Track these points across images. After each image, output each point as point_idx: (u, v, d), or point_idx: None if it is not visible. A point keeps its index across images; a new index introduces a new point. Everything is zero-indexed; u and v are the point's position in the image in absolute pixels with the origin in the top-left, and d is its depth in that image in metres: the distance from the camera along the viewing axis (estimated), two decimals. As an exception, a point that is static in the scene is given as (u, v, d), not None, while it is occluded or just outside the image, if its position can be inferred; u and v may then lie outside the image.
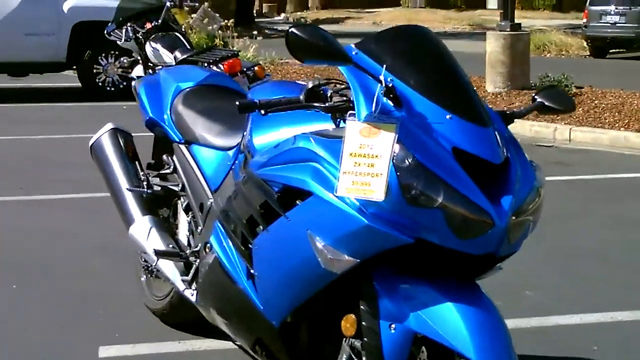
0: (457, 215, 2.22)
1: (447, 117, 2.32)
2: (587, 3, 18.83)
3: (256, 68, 7.98)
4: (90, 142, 3.75)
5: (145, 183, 3.56)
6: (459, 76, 2.46)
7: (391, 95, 2.31)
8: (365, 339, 2.38)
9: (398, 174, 2.22)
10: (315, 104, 2.49)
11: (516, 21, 10.68)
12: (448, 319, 2.27)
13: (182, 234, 3.40)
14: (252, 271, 2.66)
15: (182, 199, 3.45)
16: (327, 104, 2.47)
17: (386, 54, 2.42)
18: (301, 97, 2.51)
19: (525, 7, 33.81)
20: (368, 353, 2.37)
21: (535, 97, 2.67)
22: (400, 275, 2.37)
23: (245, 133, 2.95)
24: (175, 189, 3.43)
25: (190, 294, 3.20)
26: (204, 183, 3.24)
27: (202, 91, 3.54)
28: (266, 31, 22.83)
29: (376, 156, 2.24)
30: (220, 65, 7.78)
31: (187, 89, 3.52)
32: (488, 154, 2.31)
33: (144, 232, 3.41)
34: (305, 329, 2.64)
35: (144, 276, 3.77)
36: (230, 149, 3.19)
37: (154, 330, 3.71)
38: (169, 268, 3.31)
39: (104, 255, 4.68)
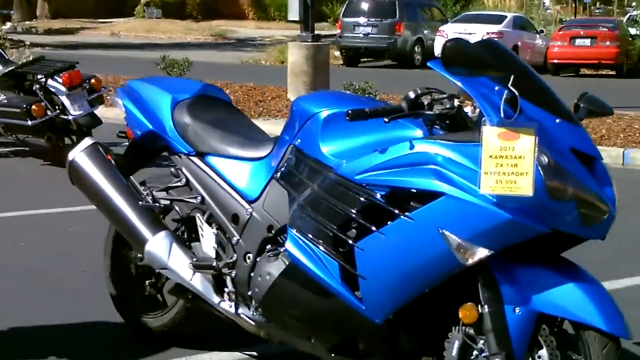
0: (587, 205, 2.53)
1: (557, 121, 2.61)
2: (341, 14, 19.98)
3: (92, 80, 7.79)
4: (70, 157, 3.58)
5: (150, 198, 3.49)
6: (545, 84, 2.76)
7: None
8: (490, 324, 2.60)
9: (541, 172, 2.48)
10: (421, 112, 2.68)
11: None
12: (571, 296, 2.54)
13: (207, 246, 3.36)
14: (353, 273, 2.78)
15: (199, 212, 3.41)
16: (435, 112, 2.67)
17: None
18: (403, 104, 2.69)
19: (262, 18, 34.90)
20: (495, 336, 2.57)
21: (579, 103, 3.00)
22: (511, 261, 2.62)
23: (295, 143, 3.03)
24: (194, 201, 3.40)
25: (229, 306, 3.21)
26: (234, 194, 3.26)
27: (202, 102, 3.50)
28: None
29: (520, 157, 2.47)
30: (58, 78, 7.51)
31: (185, 101, 3.48)
32: (594, 151, 2.65)
33: (164, 248, 3.33)
34: (409, 323, 2.81)
35: (146, 292, 3.67)
36: (258, 159, 3.25)
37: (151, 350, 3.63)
38: (200, 282, 3.29)
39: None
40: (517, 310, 2.58)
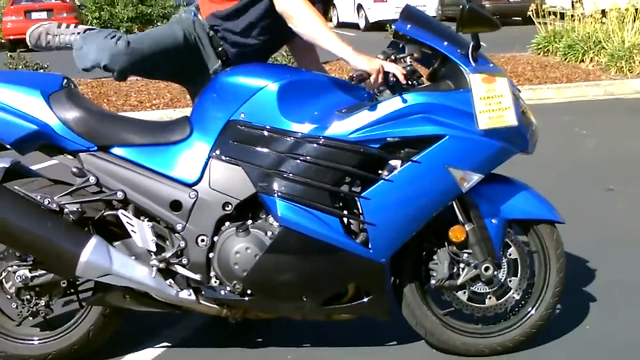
0: (534, 127, 3.21)
1: (491, 65, 3.22)
2: None
3: None
4: None
5: (55, 206, 3.14)
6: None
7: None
8: (476, 237, 3.15)
9: (515, 105, 3.08)
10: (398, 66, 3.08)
11: None
12: (524, 201, 3.22)
13: (144, 241, 3.15)
14: (360, 222, 3.05)
15: (121, 209, 3.20)
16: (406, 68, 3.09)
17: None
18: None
19: None
20: (482, 246, 3.16)
21: None
22: (477, 186, 3.18)
23: (238, 118, 3.08)
24: (119, 197, 3.17)
25: (188, 294, 3.12)
26: (165, 181, 3.16)
27: (72, 93, 3.25)
28: None
29: (501, 95, 3.03)
30: None
31: (57, 93, 3.20)
32: None
33: (103, 254, 3.08)
34: (405, 255, 3.19)
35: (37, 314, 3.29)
36: (177, 142, 3.19)
37: None
38: (150, 279, 3.14)
39: None
40: (494, 221, 3.18)
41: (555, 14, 12.87)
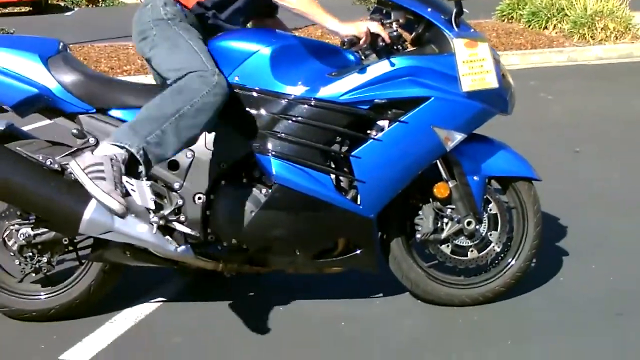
0: (513, 90, 3.39)
1: (472, 30, 3.37)
2: None
3: None
4: None
5: (57, 166, 3.24)
6: None
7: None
8: (459, 193, 3.34)
9: (496, 68, 3.25)
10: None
11: None
12: (503, 158, 3.41)
13: (142, 199, 3.27)
14: (351, 179, 3.21)
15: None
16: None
17: None
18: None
19: None
20: (464, 202, 3.35)
21: None
22: (459, 145, 3.35)
23: (232, 81, 3.19)
24: None
25: (186, 250, 3.23)
26: None
27: (69, 57, 3.38)
28: None
29: (483, 59, 3.20)
30: None
31: (55, 57, 3.31)
32: None
33: (104, 212, 3.18)
34: (392, 211, 3.36)
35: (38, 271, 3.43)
36: None
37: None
38: (151, 236, 3.25)
39: None
40: (476, 178, 3.37)
41: (518, -20, 13.09)
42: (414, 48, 3.33)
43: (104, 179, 2.93)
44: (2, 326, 3.47)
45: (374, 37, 3.20)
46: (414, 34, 3.33)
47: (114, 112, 3.31)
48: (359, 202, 3.25)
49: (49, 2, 22.26)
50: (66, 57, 3.37)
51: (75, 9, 22.53)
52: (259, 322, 3.39)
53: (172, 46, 3.21)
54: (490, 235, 3.46)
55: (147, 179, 3.27)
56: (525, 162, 3.48)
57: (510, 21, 12.87)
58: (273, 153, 3.20)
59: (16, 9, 21.39)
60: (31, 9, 21.12)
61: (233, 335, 3.32)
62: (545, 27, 11.87)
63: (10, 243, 3.38)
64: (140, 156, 3.00)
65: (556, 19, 11.80)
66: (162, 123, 3.05)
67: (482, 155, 3.40)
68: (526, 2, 12.61)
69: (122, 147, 2.99)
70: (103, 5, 23.50)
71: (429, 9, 3.22)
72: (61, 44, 3.44)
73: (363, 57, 3.29)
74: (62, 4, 23.35)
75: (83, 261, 3.47)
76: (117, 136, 3.03)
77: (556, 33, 11.59)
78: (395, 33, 3.24)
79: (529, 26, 12.06)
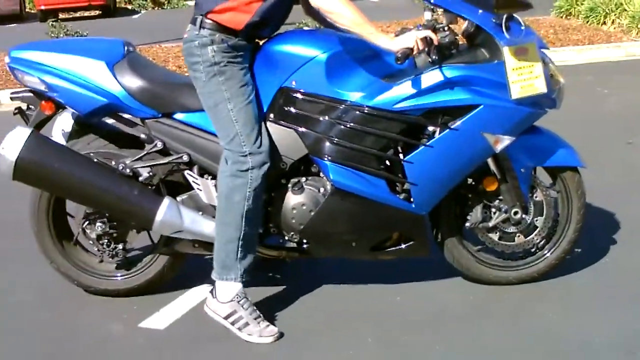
0: (561, 87, 3.56)
1: (523, 29, 3.53)
2: None
3: None
4: (12, 155, 3.44)
5: (128, 171, 3.57)
6: None
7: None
8: (507, 184, 3.56)
9: (545, 72, 3.40)
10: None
11: None
12: (550, 149, 3.61)
13: (209, 197, 3.53)
14: (403, 183, 3.43)
15: (186, 170, 3.56)
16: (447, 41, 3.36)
17: None
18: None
19: None
20: (512, 192, 3.57)
21: None
22: None
23: (289, 85, 3.38)
24: (184, 160, 3.54)
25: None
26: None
27: (134, 61, 3.59)
28: None
29: (532, 65, 3.35)
30: None
31: (120, 63, 3.53)
32: None
33: (175, 213, 3.51)
34: (443, 202, 3.57)
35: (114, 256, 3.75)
36: None
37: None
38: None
39: None
40: (523, 170, 3.58)
41: (577, -23, 13.09)
42: (466, 49, 3.45)
43: (247, 323, 3.39)
44: (88, 299, 3.84)
45: (424, 42, 3.29)
46: (464, 30, 3.49)
47: (179, 115, 3.54)
48: (411, 201, 3.46)
49: (117, 5, 22.90)
50: (132, 61, 3.57)
51: (142, 12, 23.19)
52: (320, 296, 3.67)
53: (214, 106, 3.37)
54: (537, 220, 3.66)
55: (212, 178, 3.54)
56: (571, 150, 3.66)
57: (568, 17, 12.90)
58: (329, 157, 3.40)
59: (86, 13, 22.06)
60: (100, 12, 21.75)
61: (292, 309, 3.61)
62: (604, 23, 11.89)
63: (89, 231, 3.72)
64: (244, 275, 3.44)
65: (614, 14, 11.81)
66: (238, 237, 3.37)
67: (529, 147, 3.57)
68: (584, -3, 12.62)
69: (229, 280, 3.42)
70: (168, 7, 24.11)
71: (480, 12, 3.33)
72: (127, 46, 3.65)
73: (416, 58, 3.37)
74: (129, 7, 24.05)
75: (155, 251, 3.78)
76: (219, 273, 3.44)
77: (614, 28, 11.61)
78: (447, 39, 3.35)
79: (587, 22, 12.09)
